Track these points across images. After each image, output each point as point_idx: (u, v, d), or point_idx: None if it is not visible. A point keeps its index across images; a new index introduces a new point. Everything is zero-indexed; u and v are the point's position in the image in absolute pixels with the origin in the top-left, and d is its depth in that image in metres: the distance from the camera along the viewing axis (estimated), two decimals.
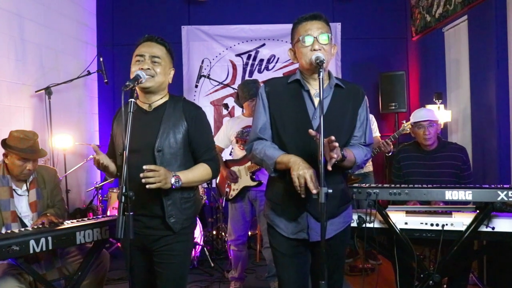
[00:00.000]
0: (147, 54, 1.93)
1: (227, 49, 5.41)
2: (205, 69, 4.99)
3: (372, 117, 4.06)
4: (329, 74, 1.92)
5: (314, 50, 1.78)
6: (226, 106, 4.37)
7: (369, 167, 4.01)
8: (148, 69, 1.91)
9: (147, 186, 1.77)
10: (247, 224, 3.34)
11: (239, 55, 5.44)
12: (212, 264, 3.96)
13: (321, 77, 1.66)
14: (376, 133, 3.99)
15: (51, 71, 4.40)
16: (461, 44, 4.35)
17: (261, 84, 2.03)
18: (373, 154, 3.70)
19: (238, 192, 3.25)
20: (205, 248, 4.08)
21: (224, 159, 3.47)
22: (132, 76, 1.87)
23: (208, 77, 4.54)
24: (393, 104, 4.80)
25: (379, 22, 5.45)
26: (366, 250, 3.82)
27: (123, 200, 1.65)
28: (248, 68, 5.44)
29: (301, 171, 1.67)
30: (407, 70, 5.38)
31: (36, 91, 4.10)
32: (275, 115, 1.89)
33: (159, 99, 2.01)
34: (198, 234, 4.01)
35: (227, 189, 3.35)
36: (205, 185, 4.44)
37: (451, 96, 4.64)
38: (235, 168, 3.31)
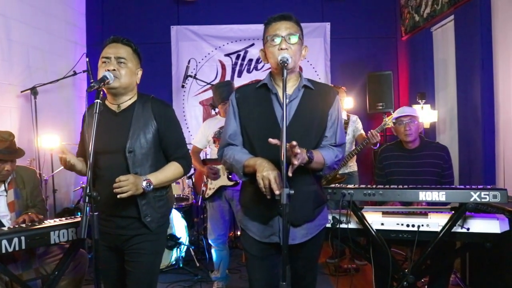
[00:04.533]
0: (112, 55, 1.94)
1: (216, 49, 5.39)
2: (194, 69, 4.98)
3: (357, 118, 4.06)
4: (300, 75, 1.91)
5: (281, 49, 1.78)
6: (212, 106, 4.35)
7: (353, 166, 3.99)
8: (114, 70, 1.91)
9: (118, 196, 1.79)
10: (227, 223, 3.33)
11: (228, 55, 5.42)
12: (198, 264, 3.95)
13: (285, 77, 1.66)
14: (361, 131, 3.99)
15: (38, 71, 4.39)
16: (449, 44, 4.34)
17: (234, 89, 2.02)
18: (359, 149, 3.69)
19: (215, 191, 3.24)
20: (190, 248, 4.08)
21: (202, 158, 3.48)
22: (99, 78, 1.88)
23: (195, 77, 4.53)
24: (380, 104, 4.79)
25: (368, 22, 5.43)
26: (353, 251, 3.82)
27: (87, 201, 1.66)
28: (237, 68, 5.43)
29: (265, 173, 1.67)
30: (396, 70, 5.37)
31: (21, 91, 4.09)
32: (245, 121, 1.90)
33: (128, 100, 2.01)
34: (183, 233, 4.01)
35: (203, 188, 3.36)
36: (191, 184, 4.43)
37: (439, 96, 4.63)
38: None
